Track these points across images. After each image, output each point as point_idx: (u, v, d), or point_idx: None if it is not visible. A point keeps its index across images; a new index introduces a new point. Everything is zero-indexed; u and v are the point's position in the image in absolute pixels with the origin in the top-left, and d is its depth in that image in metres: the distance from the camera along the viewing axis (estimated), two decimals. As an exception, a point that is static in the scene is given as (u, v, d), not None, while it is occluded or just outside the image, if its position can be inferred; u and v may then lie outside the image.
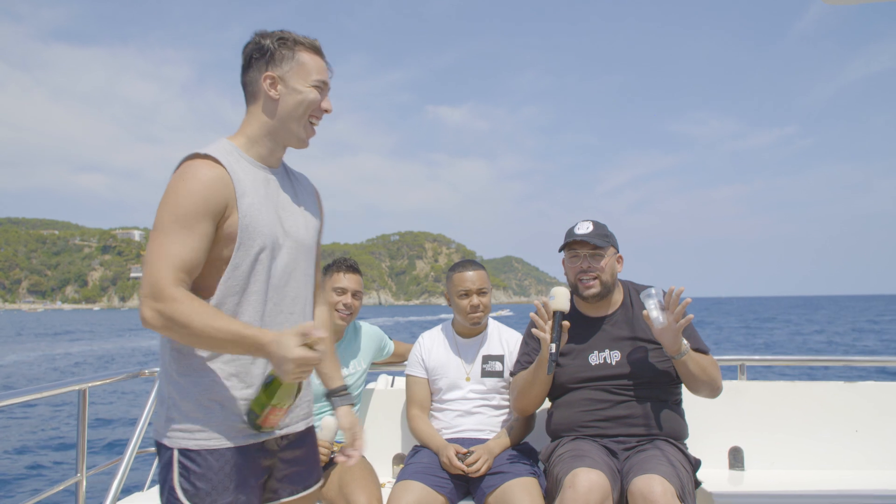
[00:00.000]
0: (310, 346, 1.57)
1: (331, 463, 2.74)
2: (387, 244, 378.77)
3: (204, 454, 1.68)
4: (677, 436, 2.61)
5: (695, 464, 2.53)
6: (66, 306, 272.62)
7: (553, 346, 2.42)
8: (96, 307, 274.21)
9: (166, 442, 1.70)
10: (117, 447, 10.20)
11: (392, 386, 3.54)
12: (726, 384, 3.19)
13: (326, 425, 2.61)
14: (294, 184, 1.91)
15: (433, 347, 3.06)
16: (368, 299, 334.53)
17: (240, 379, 1.73)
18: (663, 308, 2.38)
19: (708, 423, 3.08)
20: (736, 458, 3.17)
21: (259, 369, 1.76)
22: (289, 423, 1.85)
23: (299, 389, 1.72)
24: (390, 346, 3.30)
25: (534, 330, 2.55)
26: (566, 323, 2.45)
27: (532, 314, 2.53)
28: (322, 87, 1.80)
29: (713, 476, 2.90)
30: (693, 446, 2.66)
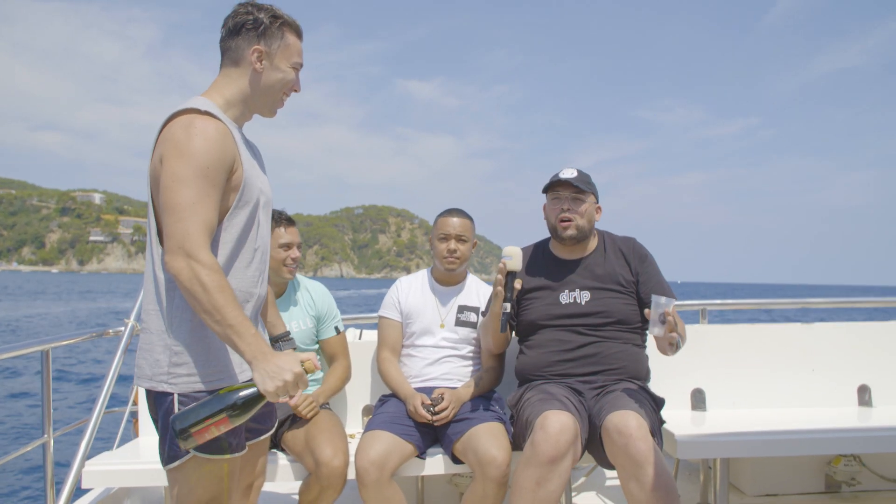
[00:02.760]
0: (305, 371, 1.70)
1: (296, 418, 2.77)
2: (350, 217, 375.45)
3: (206, 396, 1.74)
4: (641, 377, 2.70)
5: (659, 402, 2.61)
6: (24, 268, 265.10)
7: (507, 304, 2.47)
8: (54, 269, 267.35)
9: (167, 388, 1.75)
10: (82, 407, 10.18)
11: (360, 339, 3.54)
12: (689, 328, 3.25)
13: None
14: (250, 145, 2.00)
15: (410, 291, 3.07)
16: (330, 271, 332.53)
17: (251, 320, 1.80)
18: (662, 322, 2.34)
19: (670, 365, 3.13)
20: (698, 399, 3.27)
21: (254, 311, 1.90)
22: None
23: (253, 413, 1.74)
24: (338, 317, 3.09)
25: (494, 287, 2.57)
26: (518, 282, 2.50)
27: (496, 277, 2.54)
28: (298, 68, 1.93)
29: (676, 417, 2.97)
30: (656, 388, 2.72)
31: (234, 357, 1.83)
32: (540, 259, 2.87)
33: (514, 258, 2.51)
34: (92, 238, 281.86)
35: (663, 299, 2.35)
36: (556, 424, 2.30)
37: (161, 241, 1.77)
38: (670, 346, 2.39)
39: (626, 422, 2.29)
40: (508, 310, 2.49)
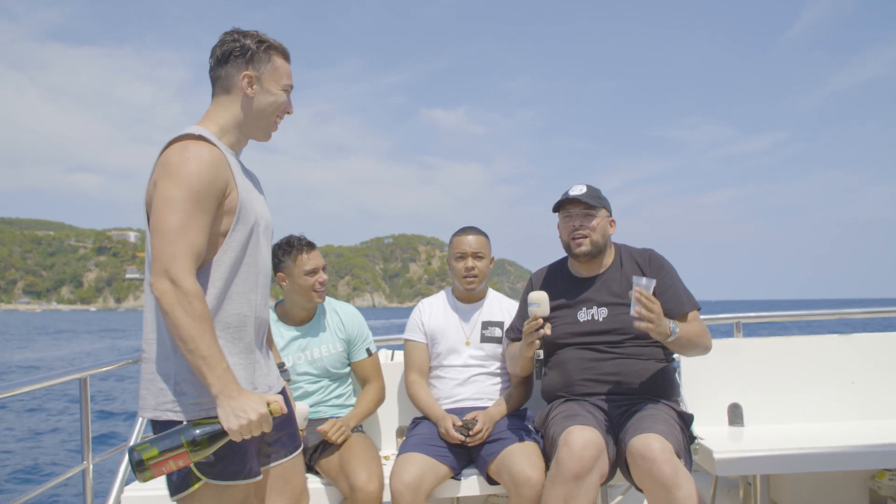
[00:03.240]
0: (271, 413, 1.69)
1: (328, 442, 2.74)
2: (380, 247, 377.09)
3: (217, 423, 1.70)
4: (667, 394, 2.65)
5: (688, 420, 2.56)
6: (63, 307, 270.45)
7: (540, 351, 2.47)
8: (92, 308, 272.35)
9: (173, 416, 1.74)
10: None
11: (392, 360, 3.54)
12: (724, 342, 3.24)
13: (296, 411, 2.58)
14: (249, 172, 2.03)
15: (433, 312, 3.07)
16: (362, 301, 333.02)
17: (244, 344, 1.85)
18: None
19: (706, 380, 3.10)
20: (735, 415, 3.20)
21: (258, 334, 1.92)
22: (272, 385, 1.98)
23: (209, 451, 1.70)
24: (369, 339, 3.07)
25: (527, 338, 2.50)
26: (548, 326, 2.47)
27: (528, 325, 2.48)
28: (289, 90, 1.97)
29: (713, 433, 2.92)
30: (692, 404, 2.68)
31: (238, 378, 1.78)
32: (558, 278, 2.86)
33: (541, 305, 2.48)
34: (128, 276, 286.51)
35: (644, 280, 2.36)
36: (580, 440, 2.29)
37: None
38: (659, 334, 2.37)
39: (648, 445, 2.25)
40: (542, 356, 2.48)
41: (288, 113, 2.00)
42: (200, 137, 1.78)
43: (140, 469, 1.60)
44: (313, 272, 2.87)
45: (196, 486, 1.76)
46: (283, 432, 2.05)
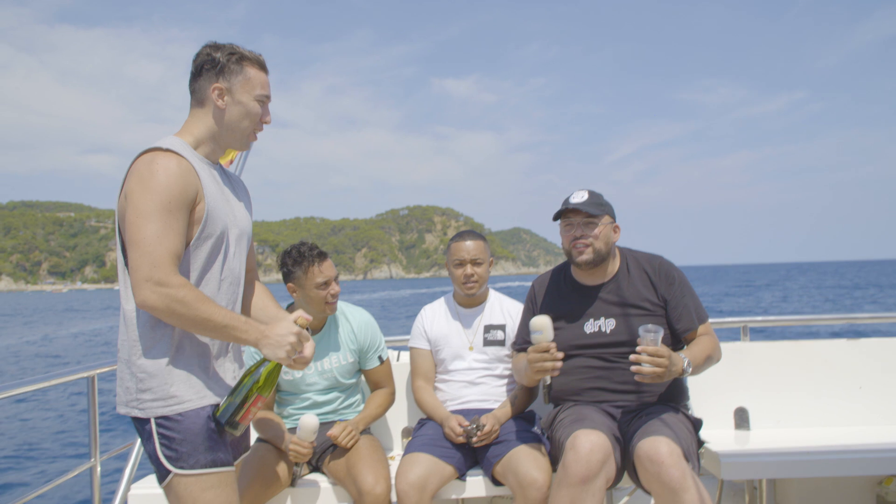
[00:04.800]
0: (301, 328, 1.85)
1: (336, 444, 2.76)
2: (396, 218, 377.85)
3: (179, 418, 1.81)
4: (677, 399, 2.63)
5: (696, 424, 2.55)
6: (88, 286, 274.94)
7: (547, 377, 2.45)
8: (116, 287, 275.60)
9: (140, 414, 1.82)
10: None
11: (398, 360, 3.56)
12: (731, 346, 3.21)
13: (304, 424, 2.62)
14: (230, 179, 2.07)
15: (435, 318, 3.08)
16: (379, 273, 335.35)
17: (204, 345, 1.89)
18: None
19: (712, 384, 3.08)
20: (741, 419, 3.19)
21: (217, 343, 1.94)
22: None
23: (276, 382, 1.90)
24: (382, 346, 3.04)
25: (534, 366, 2.45)
26: (557, 365, 2.42)
27: (535, 353, 2.43)
28: (264, 100, 1.98)
29: (720, 437, 2.91)
30: (698, 408, 2.66)
31: (198, 379, 1.87)
32: (562, 285, 2.79)
33: (545, 332, 2.43)
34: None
35: (651, 335, 2.28)
36: (587, 444, 2.28)
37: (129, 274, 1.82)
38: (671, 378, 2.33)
39: (656, 448, 2.24)
40: (549, 381, 2.47)
41: (266, 122, 2.01)
42: (169, 150, 1.82)
43: (233, 426, 1.84)
44: (325, 284, 2.81)
45: (168, 477, 1.82)
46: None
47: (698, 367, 2.48)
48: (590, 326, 2.67)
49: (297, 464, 2.71)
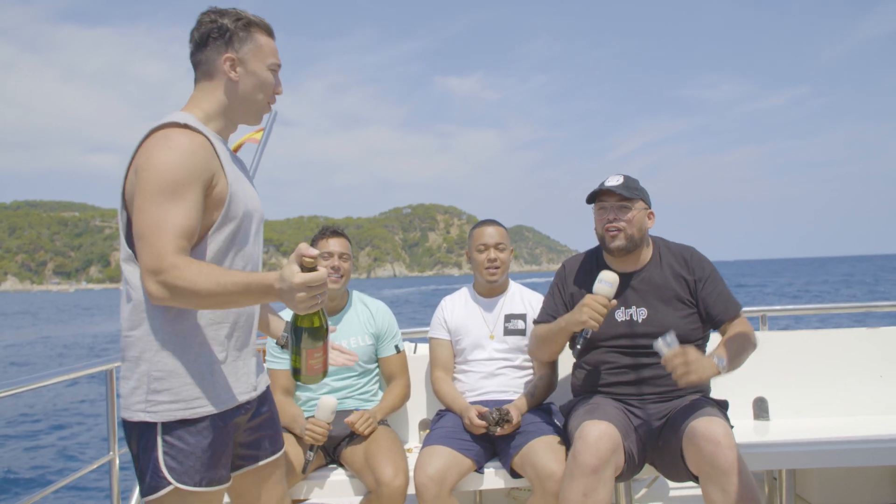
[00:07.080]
0: (309, 268, 1.53)
1: (353, 435, 2.77)
2: (399, 217, 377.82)
3: (189, 427, 1.68)
4: (703, 390, 2.63)
5: (724, 407, 2.55)
6: (93, 286, 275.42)
7: (590, 331, 2.45)
8: (121, 287, 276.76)
9: (146, 417, 1.67)
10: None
11: (415, 352, 3.57)
12: None
13: (323, 404, 2.62)
14: (235, 158, 1.90)
15: (455, 308, 3.09)
16: (383, 271, 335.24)
17: (225, 341, 1.76)
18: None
19: (732, 374, 3.07)
20: (761, 409, 3.18)
21: (241, 331, 1.81)
22: (257, 385, 1.90)
23: (322, 327, 1.63)
24: (398, 336, 3.09)
25: (586, 309, 2.44)
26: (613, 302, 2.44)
27: (596, 301, 2.42)
28: (276, 69, 1.84)
29: (739, 427, 2.86)
30: (717, 397, 2.63)
31: (217, 378, 1.75)
32: (594, 269, 2.70)
33: (614, 286, 2.44)
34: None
35: (665, 347, 2.27)
36: (595, 433, 2.28)
37: (134, 260, 1.68)
38: (706, 378, 2.30)
39: (713, 429, 2.22)
40: (590, 335, 2.46)
41: (277, 93, 1.87)
42: (184, 125, 1.67)
43: (303, 380, 1.66)
44: (328, 256, 2.89)
45: (165, 490, 1.68)
46: (261, 434, 1.95)
47: (735, 361, 2.42)
48: (621, 314, 2.62)
49: (310, 448, 2.68)
